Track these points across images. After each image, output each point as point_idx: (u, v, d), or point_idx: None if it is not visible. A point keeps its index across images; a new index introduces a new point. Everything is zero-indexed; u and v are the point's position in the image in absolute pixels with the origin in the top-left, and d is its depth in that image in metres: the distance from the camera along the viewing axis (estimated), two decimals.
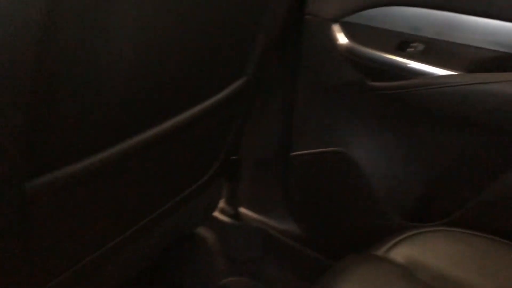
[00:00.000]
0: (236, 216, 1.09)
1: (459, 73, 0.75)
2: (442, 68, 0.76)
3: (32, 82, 0.41)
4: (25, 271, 0.54)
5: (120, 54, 0.48)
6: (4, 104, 0.40)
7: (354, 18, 0.81)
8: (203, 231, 1.12)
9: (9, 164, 0.44)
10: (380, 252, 0.68)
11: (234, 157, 1.00)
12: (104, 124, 0.53)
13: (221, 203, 1.10)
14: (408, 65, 0.78)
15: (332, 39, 0.82)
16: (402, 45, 0.79)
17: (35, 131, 0.44)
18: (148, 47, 0.51)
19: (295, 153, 0.96)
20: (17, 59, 0.39)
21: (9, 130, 0.42)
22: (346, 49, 0.81)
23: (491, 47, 0.73)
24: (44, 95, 0.43)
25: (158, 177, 0.70)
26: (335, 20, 0.82)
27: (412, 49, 0.78)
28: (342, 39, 0.82)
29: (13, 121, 0.42)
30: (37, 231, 0.53)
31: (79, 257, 0.63)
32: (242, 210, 1.10)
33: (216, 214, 1.11)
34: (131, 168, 0.61)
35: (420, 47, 0.78)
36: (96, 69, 0.47)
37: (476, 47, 0.74)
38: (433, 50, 0.77)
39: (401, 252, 0.68)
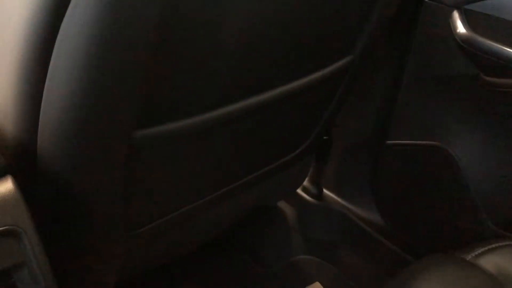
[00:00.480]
0: (318, 196, 1.09)
1: None
2: None
3: (152, 40, 0.43)
4: (123, 213, 0.58)
5: (235, 22, 0.49)
6: (125, 60, 0.43)
7: (477, 6, 0.75)
8: (284, 206, 1.13)
9: (122, 113, 0.47)
10: (469, 256, 0.65)
11: (326, 137, 0.99)
12: (213, 87, 0.54)
13: (306, 182, 1.10)
14: None
15: (450, 27, 0.77)
16: None
17: (149, 86, 0.47)
18: (262, 17, 0.52)
19: (390, 141, 0.92)
20: (141, 20, 0.41)
21: (127, 83, 0.45)
22: (464, 39, 0.76)
23: None
24: (162, 54, 0.46)
25: (255, 143, 0.71)
26: (457, 7, 0.77)
27: None
28: (461, 27, 0.76)
29: (132, 76, 0.45)
30: (139, 178, 0.56)
31: (172, 208, 0.67)
32: (326, 191, 1.10)
33: (299, 191, 1.11)
34: (232, 131, 0.63)
35: None
36: (211, 35, 0.48)
37: None
38: None
39: (492, 261, 0.64)
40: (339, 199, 1.07)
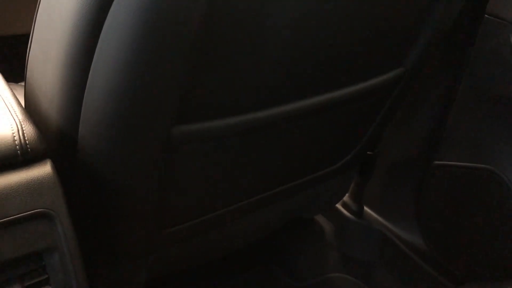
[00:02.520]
0: (358, 213, 1.06)
1: None
2: None
3: (196, 36, 0.43)
4: (156, 210, 0.58)
5: (283, 22, 0.48)
6: (168, 55, 0.43)
7: None
8: (321, 220, 1.11)
9: (163, 108, 0.47)
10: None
11: (370, 152, 0.96)
12: (255, 88, 0.54)
13: (346, 197, 1.07)
14: None
15: (511, 45, 0.73)
16: None
17: (190, 83, 0.47)
18: (312, 19, 0.51)
19: (438, 162, 0.88)
20: (186, 15, 0.41)
21: (169, 78, 0.45)
22: None
23: None
24: (205, 51, 0.45)
25: (295, 151, 0.70)
26: None
27: None
28: None
29: (174, 71, 0.45)
30: (173, 175, 0.56)
31: (205, 211, 0.66)
32: (366, 209, 1.06)
33: (339, 206, 1.08)
34: (272, 136, 0.62)
35: None
36: (257, 33, 0.48)
37: None
38: None
39: None
40: (379, 218, 1.03)
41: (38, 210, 0.46)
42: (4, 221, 0.44)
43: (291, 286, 1.02)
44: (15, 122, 0.47)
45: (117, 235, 0.58)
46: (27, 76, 0.57)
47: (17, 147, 0.45)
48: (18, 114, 0.48)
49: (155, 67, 0.44)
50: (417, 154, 0.94)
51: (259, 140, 0.62)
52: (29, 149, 0.46)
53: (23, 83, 0.67)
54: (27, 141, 0.46)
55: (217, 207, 0.68)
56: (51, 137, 0.50)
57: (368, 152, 0.96)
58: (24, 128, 0.46)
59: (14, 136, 0.46)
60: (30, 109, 0.53)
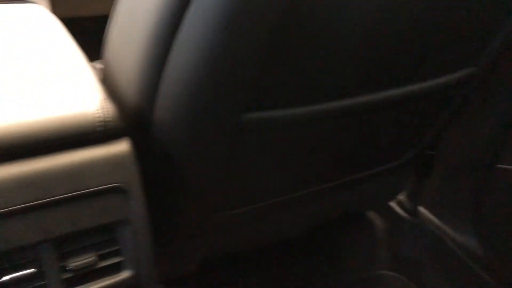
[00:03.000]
0: (413, 212, 1.04)
1: None
2: None
3: (275, 25, 0.44)
4: (219, 192, 0.60)
5: (359, 15, 0.48)
6: (247, 43, 0.44)
7: None
8: (373, 216, 1.10)
9: (236, 94, 0.49)
10: None
11: (430, 152, 0.94)
12: (325, 80, 0.54)
13: (401, 195, 1.06)
14: None
15: None
16: None
17: (264, 71, 0.48)
18: (387, 12, 0.50)
19: (502, 166, 0.86)
20: (267, 4, 0.42)
21: (246, 66, 0.46)
22: None
23: None
24: (282, 40, 0.46)
25: (355, 145, 0.70)
26: None
27: None
28: None
29: (251, 59, 0.46)
30: (239, 160, 0.57)
31: (264, 197, 0.68)
32: (421, 208, 1.04)
33: (393, 204, 1.07)
34: (335, 129, 0.62)
35: None
36: (333, 26, 0.48)
37: None
38: None
39: None
40: (435, 219, 1.01)
41: (115, 184, 0.48)
42: (84, 192, 0.47)
43: (338, 279, 1.03)
44: (98, 100, 0.50)
45: (180, 213, 0.61)
46: (106, 56, 0.60)
47: (99, 123, 0.48)
48: (100, 92, 0.51)
49: (231, 58, 0.45)
50: (479, 156, 0.92)
51: (323, 133, 0.62)
52: (109, 127, 0.49)
53: (95, 62, 0.70)
54: (108, 119, 0.49)
55: (274, 195, 0.69)
56: (128, 116, 0.52)
57: (428, 151, 0.94)
58: (106, 106, 0.49)
59: (97, 113, 0.48)
60: (108, 88, 0.56)
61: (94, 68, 0.58)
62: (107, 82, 0.59)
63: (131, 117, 0.53)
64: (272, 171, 0.64)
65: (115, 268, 0.51)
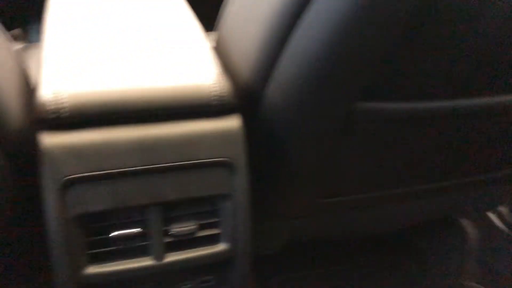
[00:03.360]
0: None
1: None
2: None
3: (407, 19, 0.42)
4: (321, 178, 0.59)
5: (494, 16, 0.45)
6: (375, 34, 0.43)
7: None
8: (466, 224, 1.04)
9: (353, 82, 0.47)
10: None
11: None
12: (446, 77, 0.51)
13: (503, 207, 0.99)
14: None
15: None
16: None
17: (383, 63, 0.46)
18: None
19: None
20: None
21: (369, 55, 0.45)
22: None
23: None
24: (411, 35, 0.44)
25: (462, 148, 0.65)
26: None
27: None
28: None
29: (375, 49, 0.44)
30: (345, 149, 0.56)
31: (363, 189, 0.66)
32: None
33: (491, 214, 1.00)
34: (447, 130, 0.59)
35: None
36: (467, 24, 0.45)
37: None
38: None
39: None
40: None
41: (222, 159, 0.49)
42: (194, 163, 0.48)
43: (421, 283, 0.99)
44: (214, 74, 0.50)
45: (279, 194, 0.61)
46: (220, 30, 0.61)
47: (214, 97, 0.49)
48: (215, 66, 0.52)
49: (355, 48, 0.44)
50: None
51: (433, 131, 0.59)
52: (223, 101, 0.49)
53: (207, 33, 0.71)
54: (223, 94, 0.49)
55: (372, 188, 0.67)
56: (242, 94, 0.53)
57: None
58: (221, 81, 0.50)
59: (212, 88, 0.49)
60: (220, 60, 0.56)
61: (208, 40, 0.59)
62: (219, 55, 0.59)
63: (242, 92, 0.53)
64: (375, 165, 0.62)
65: (213, 240, 0.52)
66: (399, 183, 0.69)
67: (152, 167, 0.47)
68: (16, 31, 1.03)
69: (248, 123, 0.52)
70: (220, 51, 0.61)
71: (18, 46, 0.82)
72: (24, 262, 0.61)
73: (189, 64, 0.52)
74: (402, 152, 0.62)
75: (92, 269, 0.48)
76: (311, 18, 0.44)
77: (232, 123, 0.50)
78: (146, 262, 0.50)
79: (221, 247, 0.52)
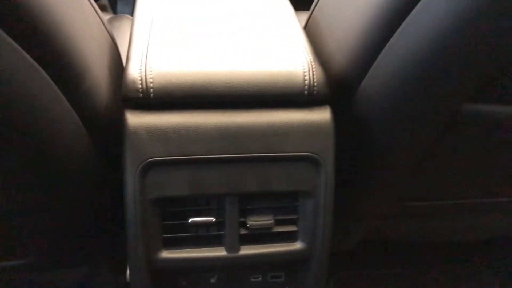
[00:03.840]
0: None
1: None
2: None
3: None
4: (407, 181, 0.54)
5: None
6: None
7: None
8: None
9: (464, 84, 0.42)
10: None
11: None
12: None
13: None
14: None
15: None
16: None
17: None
18: None
19: None
20: None
21: (482, 55, 0.39)
22: None
23: None
24: None
25: None
26: None
27: None
28: None
29: (488, 48, 0.39)
30: (441, 152, 0.51)
31: (449, 195, 0.60)
32: None
33: None
34: None
35: None
36: None
37: None
38: None
39: None
40: None
41: (309, 153, 0.46)
42: (278, 155, 0.45)
43: None
44: (307, 61, 0.47)
45: (361, 194, 0.57)
46: (315, 13, 0.57)
47: (305, 87, 0.45)
48: (309, 53, 0.48)
49: (473, 49, 0.39)
50: None
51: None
52: (315, 91, 0.45)
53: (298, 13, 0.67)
54: (315, 83, 0.45)
55: (462, 195, 0.62)
56: (332, 81, 0.49)
57: None
58: (314, 70, 0.46)
59: (305, 76, 0.46)
60: (312, 44, 0.52)
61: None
62: (311, 36, 0.55)
63: (334, 82, 0.49)
64: (472, 170, 0.56)
65: (289, 237, 0.49)
66: (490, 193, 0.63)
67: (234, 157, 0.45)
68: (103, 1, 1.04)
69: (337, 117, 0.48)
70: (312, 34, 0.57)
71: (105, 17, 0.83)
72: (103, 244, 0.62)
73: (281, 48, 0.49)
74: (504, 160, 0.56)
75: (166, 254, 0.47)
76: (421, 15, 0.39)
77: (322, 115, 0.46)
78: (220, 252, 0.48)
79: (297, 245, 0.49)
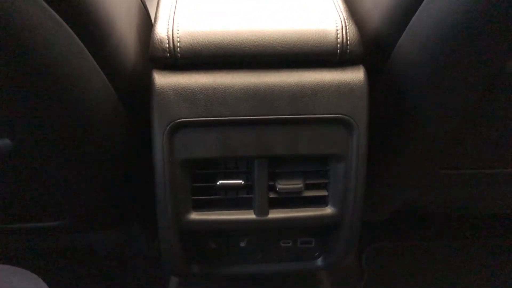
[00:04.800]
0: None
1: None
2: None
3: None
4: (443, 148, 0.52)
5: None
6: None
7: None
8: None
9: (497, 46, 0.39)
10: None
11: None
12: None
13: None
14: None
15: None
16: None
17: None
18: None
19: None
20: None
21: None
22: None
23: None
24: None
25: None
26: None
27: None
28: None
29: None
30: (480, 116, 0.48)
31: (492, 161, 0.57)
32: None
33: None
34: None
35: None
36: None
37: None
38: None
39: None
40: None
41: (341, 115, 0.44)
42: (309, 117, 0.44)
43: None
44: (340, 19, 0.45)
45: (394, 160, 0.54)
46: None
47: (338, 46, 0.43)
48: (342, 11, 0.46)
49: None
50: None
51: None
52: (348, 51, 0.43)
53: None
54: (348, 42, 0.43)
55: (499, 163, 0.58)
56: (366, 40, 0.46)
57: None
58: (348, 28, 0.44)
59: (338, 34, 0.43)
60: (346, 2, 0.50)
61: None
62: None
63: (369, 40, 0.47)
64: (508, 136, 0.53)
65: (319, 202, 0.48)
66: None
67: (264, 118, 0.44)
68: None
69: (372, 78, 0.46)
70: None
71: None
72: (135, 207, 0.63)
73: (313, 6, 0.46)
74: None
75: (195, 215, 0.47)
76: None
77: (356, 75, 0.44)
78: (249, 215, 0.47)
79: (328, 210, 0.48)
